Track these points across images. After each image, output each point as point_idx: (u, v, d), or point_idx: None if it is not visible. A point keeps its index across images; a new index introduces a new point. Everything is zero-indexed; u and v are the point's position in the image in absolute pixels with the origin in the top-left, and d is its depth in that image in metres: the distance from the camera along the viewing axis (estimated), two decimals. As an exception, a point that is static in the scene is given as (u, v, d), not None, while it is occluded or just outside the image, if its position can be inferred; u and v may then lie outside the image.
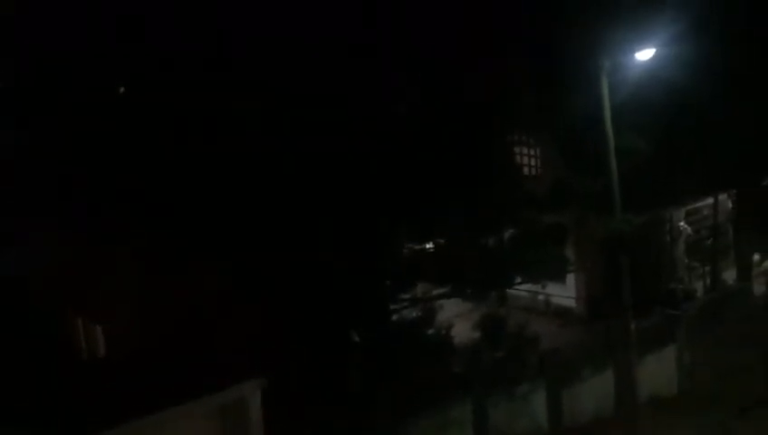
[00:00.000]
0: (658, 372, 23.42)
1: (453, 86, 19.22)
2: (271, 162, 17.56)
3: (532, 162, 28.73)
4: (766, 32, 24.73)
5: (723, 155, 26.24)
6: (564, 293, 26.90)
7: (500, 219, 20.34)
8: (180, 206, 17.97)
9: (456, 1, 19.28)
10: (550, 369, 21.82)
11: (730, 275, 30.18)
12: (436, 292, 21.32)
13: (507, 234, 21.52)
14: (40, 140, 19.58)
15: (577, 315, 27.92)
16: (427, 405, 19.28)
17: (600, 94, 20.39)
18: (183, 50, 17.83)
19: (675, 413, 22.23)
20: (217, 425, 16.72)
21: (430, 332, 20.54)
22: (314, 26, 17.56)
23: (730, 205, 31.20)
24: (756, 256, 30.74)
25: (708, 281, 29.87)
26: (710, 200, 30.14)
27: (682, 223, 29.86)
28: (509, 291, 25.46)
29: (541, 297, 27.00)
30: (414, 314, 20.78)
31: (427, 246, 21.26)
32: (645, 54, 20.54)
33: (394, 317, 20.46)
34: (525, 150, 28.57)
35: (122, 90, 19.93)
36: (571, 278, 26.75)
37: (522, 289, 24.80)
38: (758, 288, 29.66)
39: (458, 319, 22.43)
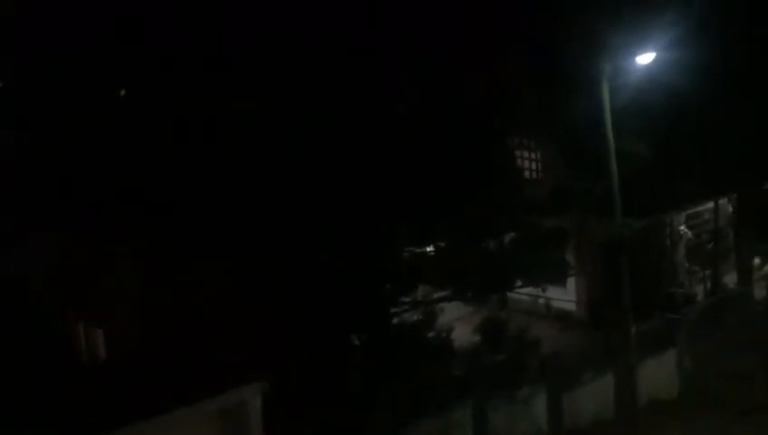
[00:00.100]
0: (659, 375, 23.37)
1: (453, 86, 19.23)
2: (271, 162, 17.56)
3: (533, 166, 28.72)
4: (766, 35, 24.71)
5: (723, 159, 26.21)
6: (565, 296, 26.84)
7: (500, 221, 20.34)
8: (180, 206, 17.97)
9: (455, 1, 19.30)
10: (550, 372, 21.79)
11: (731, 280, 30.11)
12: (436, 295, 21.36)
13: (508, 237, 21.53)
14: (40, 140, 19.60)
15: (577, 319, 27.87)
16: (427, 408, 19.24)
17: (601, 98, 20.41)
18: (183, 50, 17.84)
19: (675, 417, 22.20)
20: (218, 428, 16.69)
21: (431, 335, 20.53)
22: (314, 26, 17.58)
23: (730, 209, 31.15)
24: (757, 260, 30.70)
25: (709, 285, 29.80)
26: (710, 204, 30.10)
27: (682, 227, 29.82)
28: (510, 294, 25.44)
29: (541, 301, 26.91)
30: (414, 318, 20.76)
31: (428, 249, 21.26)
32: (645, 58, 20.55)
33: (395, 320, 20.45)
34: (526, 154, 28.57)
35: (123, 92, 19.98)
36: (571, 282, 26.75)
37: (522, 293, 24.72)
38: (759, 292, 29.58)
39: (459, 322, 22.48)
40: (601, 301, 25.98)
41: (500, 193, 20.01)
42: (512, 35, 20.81)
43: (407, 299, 20.70)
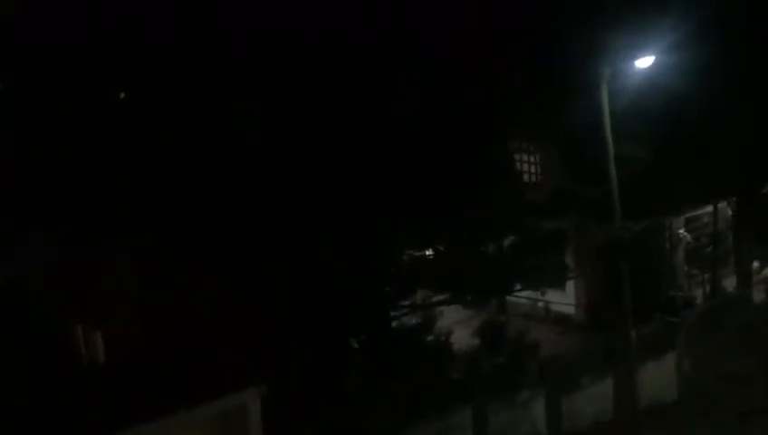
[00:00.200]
0: (658, 379, 23.32)
1: (453, 86, 19.25)
2: (271, 162, 17.57)
3: (533, 169, 28.70)
4: (766, 36, 24.76)
5: (722, 162, 26.23)
6: (564, 300, 26.76)
7: (500, 222, 20.33)
8: (180, 206, 17.96)
9: (455, 1, 19.32)
10: (549, 376, 21.74)
11: (730, 283, 30.08)
12: (436, 298, 21.32)
13: (507, 241, 21.52)
14: (40, 140, 19.58)
15: (577, 322, 27.84)
16: (426, 411, 19.21)
17: (600, 101, 20.41)
18: (183, 50, 17.86)
19: (674, 420, 22.17)
20: (217, 431, 16.68)
21: (430, 338, 20.52)
22: (314, 26, 17.60)
23: (730, 212, 31.15)
24: (756, 264, 30.67)
25: (708, 288, 29.77)
26: (710, 208, 30.09)
27: (682, 230, 29.82)
28: (509, 298, 25.53)
29: (540, 304, 26.89)
30: (414, 321, 20.75)
31: (427, 252, 21.26)
32: (644, 62, 20.57)
33: (394, 324, 20.43)
34: (525, 157, 28.56)
35: (123, 95, 19.99)
36: (570, 285, 26.68)
37: (521, 296, 24.74)
38: (758, 296, 29.56)
39: (458, 326, 22.43)
40: (601, 304, 25.95)
41: (499, 193, 20.03)
42: (512, 35, 20.84)
43: (406, 302, 20.71)
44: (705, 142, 25.77)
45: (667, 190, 26.39)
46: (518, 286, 22.16)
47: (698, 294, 29.57)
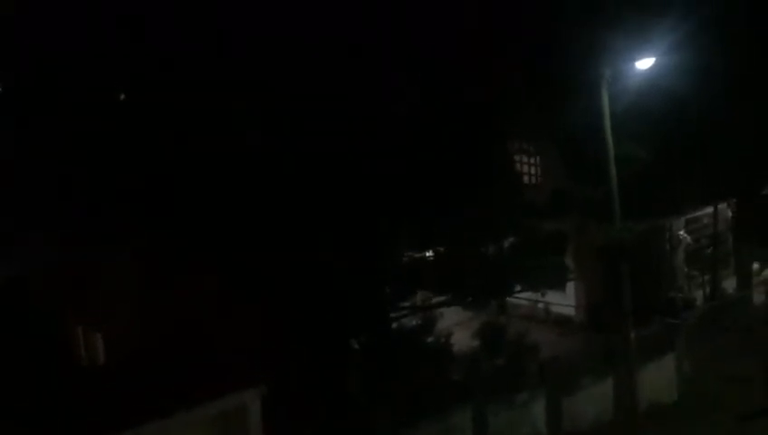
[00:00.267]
0: (658, 380, 23.31)
1: (453, 86, 19.25)
2: (271, 162, 17.57)
3: (533, 171, 28.70)
4: (766, 39, 24.77)
5: (722, 163, 26.22)
6: (564, 301, 26.79)
7: (499, 224, 20.32)
8: (180, 207, 17.96)
9: (456, 1, 19.33)
10: (550, 377, 21.73)
11: (730, 284, 30.06)
12: (435, 300, 21.32)
13: (507, 241, 21.51)
14: (40, 141, 19.60)
15: (577, 324, 27.82)
16: (426, 412, 19.20)
17: (601, 102, 20.40)
18: (183, 50, 17.87)
19: (674, 421, 22.15)
20: (217, 432, 16.67)
21: (430, 339, 20.48)
22: (314, 26, 17.61)
23: (730, 214, 31.13)
24: (756, 265, 30.66)
25: (708, 290, 29.75)
26: (710, 209, 30.07)
27: (682, 232, 29.79)
28: (509, 299, 25.46)
29: (540, 306, 26.90)
30: (414, 322, 20.73)
31: (427, 254, 21.25)
32: (645, 63, 20.56)
33: (394, 325, 20.41)
34: (525, 159, 28.55)
35: (123, 96, 20.01)
36: (570, 286, 26.65)
37: (521, 297, 24.75)
38: (758, 297, 29.55)
39: (458, 327, 22.40)
40: (601, 305, 25.92)
41: (499, 194, 20.01)
42: (512, 35, 20.85)
43: (406, 304, 20.71)
44: (705, 143, 25.77)
45: (668, 191, 26.38)
46: (518, 287, 22.14)
47: (698, 295, 29.55)
